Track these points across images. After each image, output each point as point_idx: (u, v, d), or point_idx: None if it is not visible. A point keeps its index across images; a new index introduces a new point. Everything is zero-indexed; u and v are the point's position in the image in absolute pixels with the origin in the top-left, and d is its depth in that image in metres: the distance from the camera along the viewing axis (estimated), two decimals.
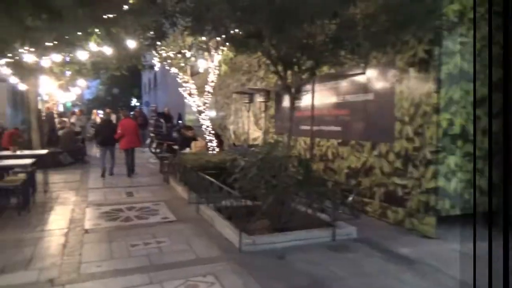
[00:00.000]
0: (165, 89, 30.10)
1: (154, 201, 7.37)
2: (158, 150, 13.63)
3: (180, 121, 19.05)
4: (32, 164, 6.99)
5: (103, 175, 10.08)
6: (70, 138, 12.38)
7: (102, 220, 6.04)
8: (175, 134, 14.65)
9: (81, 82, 15.78)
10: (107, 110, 12.04)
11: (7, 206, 6.73)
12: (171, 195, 7.98)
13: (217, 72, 7.72)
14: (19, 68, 11.66)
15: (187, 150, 9.51)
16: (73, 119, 17.60)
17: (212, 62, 7.49)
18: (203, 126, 8.18)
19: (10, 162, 6.90)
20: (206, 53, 7.16)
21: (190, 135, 9.98)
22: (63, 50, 10.18)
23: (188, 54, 7.11)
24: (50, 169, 10.37)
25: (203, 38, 6.69)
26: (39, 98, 12.63)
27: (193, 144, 9.37)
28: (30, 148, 10.91)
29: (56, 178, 9.80)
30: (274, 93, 9.43)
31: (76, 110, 25.36)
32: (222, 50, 6.98)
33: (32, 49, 9.66)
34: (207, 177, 6.12)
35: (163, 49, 6.97)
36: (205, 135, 9.98)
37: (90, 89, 48.55)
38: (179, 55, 7.47)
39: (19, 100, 19.80)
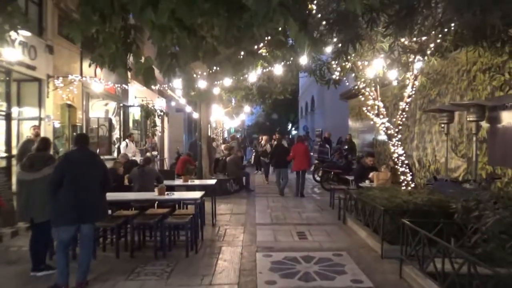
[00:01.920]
0: (322, 113, 29.13)
1: (334, 250, 5.82)
2: (324, 179, 12.25)
3: (340, 146, 17.35)
4: (202, 196, 6.36)
5: (281, 194, 11.26)
6: (237, 165, 12.08)
7: (276, 275, 4.77)
8: (338, 160, 13.11)
9: (246, 108, 15.76)
10: (277, 136, 11.58)
11: (176, 242, 6.20)
12: (352, 241, 6.32)
13: (416, 84, 5.84)
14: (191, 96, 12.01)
15: (367, 182, 7.77)
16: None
17: (410, 72, 5.68)
18: (394, 155, 6.33)
19: (182, 195, 6.39)
20: (403, 60, 5.43)
21: (370, 164, 8.23)
22: (234, 74, 9.86)
23: (380, 61, 5.49)
24: (218, 197, 10.05)
25: (403, 40, 4.99)
26: (209, 125, 12.74)
27: (374, 175, 7.59)
28: (200, 174, 10.86)
29: (223, 208, 9.29)
30: (488, 109, 6.95)
31: (238, 136, 26.50)
32: (427, 56, 5.10)
33: (204, 73, 9.57)
34: (420, 229, 4.25)
35: (349, 58, 5.55)
36: (388, 164, 8.08)
37: (250, 117, 51.86)
38: (366, 63, 5.92)
39: (193, 128, 21.53)
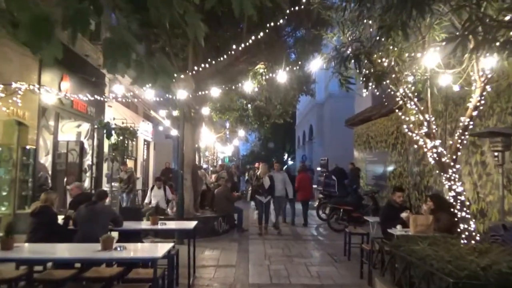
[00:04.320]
0: (321, 142, 27.44)
1: None
2: (331, 217, 10.22)
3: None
4: (170, 251, 4.31)
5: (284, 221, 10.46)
6: (227, 199, 10.04)
7: None
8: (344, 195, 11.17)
9: (241, 133, 13.89)
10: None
11: None
12: None
13: (487, 90, 3.97)
14: (175, 118, 10.14)
15: (398, 228, 5.77)
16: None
17: (480, 74, 3.80)
18: (450, 193, 4.40)
19: (132, 254, 4.14)
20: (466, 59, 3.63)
21: (400, 202, 6.24)
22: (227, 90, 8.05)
23: (435, 55, 3.66)
24: (201, 240, 8.02)
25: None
26: (196, 150, 10.76)
27: (411, 219, 5.62)
28: (182, 211, 8.78)
29: (207, 257, 7.20)
30: None
31: (232, 164, 24.51)
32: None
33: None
34: None
35: (392, 48, 3.72)
36: (428, 204, 6.12)
37: (245, 146, 50.06)
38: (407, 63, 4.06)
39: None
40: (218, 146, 18.76)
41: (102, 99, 9.21)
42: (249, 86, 7.86)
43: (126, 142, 15.22)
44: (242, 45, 8.09)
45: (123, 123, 13.70)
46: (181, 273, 5.62)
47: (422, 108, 4.46)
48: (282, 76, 6.64)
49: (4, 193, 7.89)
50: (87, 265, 4.30)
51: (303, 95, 13.92)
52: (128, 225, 5.67)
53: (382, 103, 12.34)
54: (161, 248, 4.13)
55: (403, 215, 6.15)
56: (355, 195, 11.12)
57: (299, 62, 8.26)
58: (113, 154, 9.08)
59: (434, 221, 5.61)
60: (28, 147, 8.08)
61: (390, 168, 11.74)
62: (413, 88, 4.49)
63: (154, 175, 17.54)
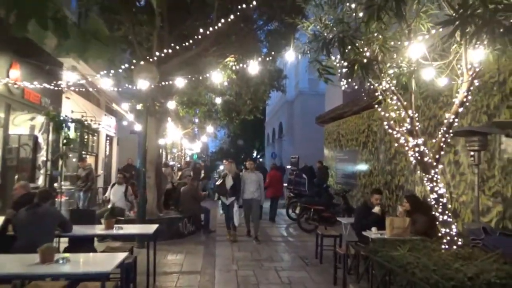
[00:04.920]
0: (291, 140, 27.31)
1: None
2: (301, 217, 9.89)
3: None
4: (123, 262, 3.76)
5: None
6: (193, 198, 9.48)
7: None
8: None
9: (210, 129, 13.33)
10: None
11: None
12: None
13: (475, 84, 3.67)
14: (139, 112, 9.46)
15: (373, 230, 5.47)
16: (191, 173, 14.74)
17: (468, 67, 3.48)
18: (432, 195, 4.10)
19: (75, 269, 3.46)
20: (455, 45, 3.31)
21: (377, 205, 5.94)
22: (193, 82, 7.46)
23: (420, 46, 3.32)
24: (164, 243, 7.47)
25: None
26: (159, 146, 10.10)
27: (387, 221, 5.32)
28: (143, 212, 8.13)
29: (170, 262, 6.66)
30: None
31: (200, 161, 23.82)
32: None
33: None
34: None
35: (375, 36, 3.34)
36: (404, 206, 5.88)
37: (214, 142, 49.30)
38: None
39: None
40: (185, 142, 18.06)
41: (55, 88, 8.37)
42: (218, 79, 7.34)
43: (86, 137, 14.35)
44: (212, 34, 7.57)
45: (82, 116, 12.84)
46: (139, 281, 5.09)
47: (405, 103, 4.12)
48: (253, 68, 6.18)
49: None
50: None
51: (274, 91, 13.56)
52: (79, 229, 5.04)
53: (354, 101, 12.19)
54: (113, 259, 3.57)
55: (376, 209, 5.88)
56: (326, 194, 10.87)
57: (271, 55, 7.84)
58: (64, 149, 8.28)
59: (411, 223, 5.34)
60: None
61: (361, 167, 11.58)
62: (394, 81, 4.15)
63: (117, 172, 16.63)
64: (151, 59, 7.90)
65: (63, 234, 4.82)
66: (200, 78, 7.67)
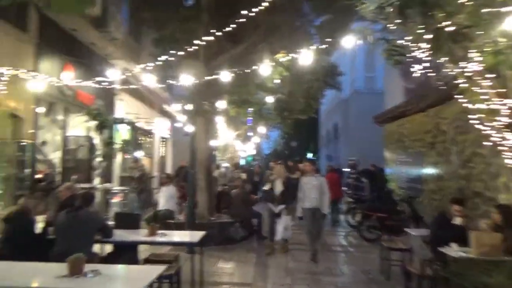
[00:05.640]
0: (347, 142, 26.08)
1: None
2: (362, 224, 9.02)
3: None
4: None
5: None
6: (244, 203, 9.01)
7: None
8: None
9: (261, 129, 12.84)
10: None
11: None
12: None
13: None
14: (190, 113, 9.18)
15: (454, 247, 4.57)
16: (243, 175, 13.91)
17: None
18: None
19: (113, 283, 2.99)
20: None
21: (459, 216, 4.99)
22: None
23: None
24: (215, 248, 7.07)
25: None
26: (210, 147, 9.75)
27: (473, 237, 4.40)
28: (192, 215, 7.78)
29: (220, 270, 6.22)
30: None
31: (255, 164, 23.45)
32: None
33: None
34: None
35: None
36: (493, 218, 4.91)
37: (268, 144, 48.89)
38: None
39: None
40: (238, 144, 17.78)
41: (107, 89, 8.31)
42: (268, 73, 6.78)
43: (141, 138, 14.50)
44: (261, 27, 7.04)
45: (137, 118, 12.97)
46: None
47: (501, 90, 3.26)
48: (306, 59, 5.52)
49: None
50: None
51: (329, 89, 12.78)
52: (121, 235, 4.73)
53: (419, 97, 11.04)
54: (147, 275, 3.12)
55: (457, 220, 4.94)
56: (389, 199, 9.87)
57: (325, 46, 7.14)
58: (109, 149, 8.18)
59: (503, 240, 4.38)
60: (23, 141, 7.31)
61: (427, 170, 10.41)
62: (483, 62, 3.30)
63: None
64: (198, 57, 7.55)
65: (104, 239, 4.52)
66: (250, 73, 7.16)
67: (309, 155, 37.96)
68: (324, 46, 4.94)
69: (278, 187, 7.53)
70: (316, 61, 7.70)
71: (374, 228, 8.72)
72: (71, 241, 4.02)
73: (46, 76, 7.14)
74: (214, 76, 5.83)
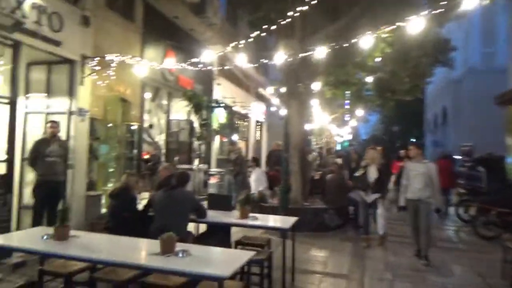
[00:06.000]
0: (458, 127, 23.36)
1: None
2: (477, 219, 7.90)
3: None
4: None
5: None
6: (339, 188, 8.57)
7: None
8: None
9: (359, 112, 12.09)
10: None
11: None
12: None
13: None
14: (284, 96, 8.96)
15: None
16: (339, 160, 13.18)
17: None
18: None
19: (201, 264, 2.97)
20: None
21: None
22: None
23: None
24: (308, 235, 6.85)
25: None
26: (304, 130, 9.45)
27: None
28: (285, 200, 7.65)
29: (313, 258, 5.97)
30: None
31: (351, 148, 22.47)
32: None
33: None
34: None
35: None
36: None
37: (365, 129, 46.62)
38: None
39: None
40: (334, 128, 17.10)
41: (206, 74, 8.53)
42: (369, 50, 6.19)
43: (238, 122, 14.84)
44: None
45: (233, 102, 13.27)
46: (276, 278, 4.51)
47: None
48: (414, 29, 4.81)
49: (111, 170, 7.87)
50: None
51: (439, 67, 11.39)
52: (214, 215, 4.76)
53: None
54: (238, 259, 3.01)
55: None
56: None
57: (439, 12, 6.21)
58: (201, 131, 8.39)
59: None
60: (131, 124, 7.91)
61: None
62: None
63: (266, 158, 16.90)
64: (294, 36, 7.24)
65: (198, 219, 4.59)
66: (348, 52, 6.60)
67: (413, 141, 35.16)
68: (438, 11, 4.18)
69: (372, 174, 6.86)
70: (425, 33, 6.82)
71: (493, 224, 7.57)
72: (167, 218, 4.15)
73: (151, 63, 7.57)
74: (309, 53, 5.44)
